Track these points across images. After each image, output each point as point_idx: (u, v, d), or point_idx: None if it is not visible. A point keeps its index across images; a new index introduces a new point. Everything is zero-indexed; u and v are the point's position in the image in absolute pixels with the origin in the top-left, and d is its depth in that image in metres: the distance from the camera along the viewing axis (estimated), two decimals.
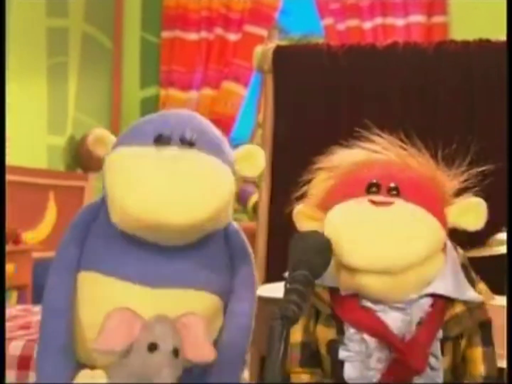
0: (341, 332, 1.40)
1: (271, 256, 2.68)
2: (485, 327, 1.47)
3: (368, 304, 1.38)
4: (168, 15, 5.17)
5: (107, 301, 1.37)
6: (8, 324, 2.24)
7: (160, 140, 1.41)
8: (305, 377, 1.44)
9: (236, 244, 1.54)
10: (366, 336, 1.37)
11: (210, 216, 1.37)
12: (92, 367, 1.39)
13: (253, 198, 4.49)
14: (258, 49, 2.83)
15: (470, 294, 1.44)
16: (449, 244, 1.47)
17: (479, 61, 2.62)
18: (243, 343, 1.48)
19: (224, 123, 4.95)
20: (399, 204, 1.39)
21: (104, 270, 1.43)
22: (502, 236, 2.16)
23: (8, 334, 2.07)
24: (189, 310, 1.39)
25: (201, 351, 1.36)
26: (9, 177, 2.70)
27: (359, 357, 1.38)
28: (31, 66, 4.38)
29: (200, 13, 5.10)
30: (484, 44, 2.63)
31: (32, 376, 1.97)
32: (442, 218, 1.41)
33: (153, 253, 1.42)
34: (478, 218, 1.44)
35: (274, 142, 2.76)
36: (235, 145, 1.62)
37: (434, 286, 1.39)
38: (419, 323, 1.38)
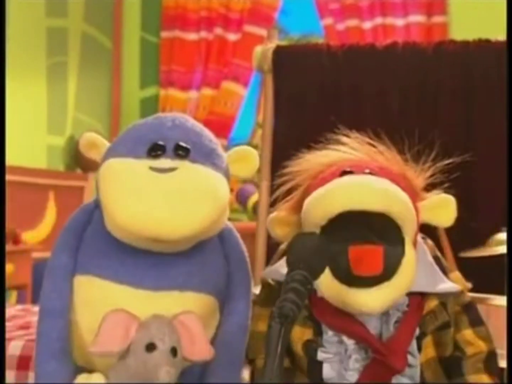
0: (318, 333, 1.40)
1: (271, 256, 2.67)
2: (470, 309, 1.47)
3: None
4: (168, 15, 5.17)
5: (104, 305, 1.36)
6: (7, 324, 2.22)
7: (154, 150, 1.41)
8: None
9: (231, 243, 1.54)
10: (344, 338, 1.38)
11: (202, 230, 1.37)
12: (92, 371, 1.39)
13: (253, 198, 4.49)
14: (258, 49, 2.83)
15: (445, 286, 1.44)
16: (419, 238, 1.46)
17: (478, 61, 2.62)
18: (241, 342, 1.48)
19: (224, 123, 4.96)
20: None
21: (101, 274, 1.42)
22: (502, 236, 2.17)
23: (7, 334, 2.06)
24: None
25: (199, 349, 1.35)
26: (9, 177, 2.70)
27: (338, 358, 1.38)
28: (30, 66, 4.38)
29: (200, 13, 5.10)
30: (483, 44, 2.63)
31: (31, 377, 1.96)
32: (414, 207, 1.39)
33: (149, 256, 1.41)
34: (449, 214, 1.43)
35: (274, 142, 2.76)
36: (235, 145, 1.62)
37: None
38: (397, 322, 1.38)
